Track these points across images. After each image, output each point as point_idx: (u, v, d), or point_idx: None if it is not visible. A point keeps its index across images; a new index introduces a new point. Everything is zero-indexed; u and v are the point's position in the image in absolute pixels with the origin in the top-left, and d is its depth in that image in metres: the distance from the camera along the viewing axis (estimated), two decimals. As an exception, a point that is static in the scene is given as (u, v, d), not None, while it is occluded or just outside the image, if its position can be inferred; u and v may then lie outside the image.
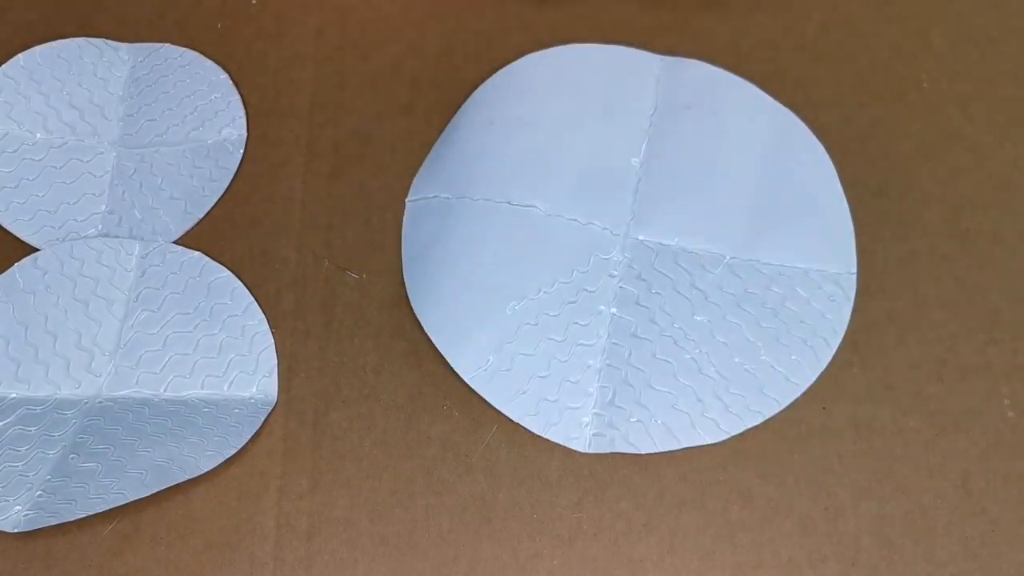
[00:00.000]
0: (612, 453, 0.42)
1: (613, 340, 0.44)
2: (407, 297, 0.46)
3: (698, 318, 0.44)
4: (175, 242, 0.48)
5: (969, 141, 0.49)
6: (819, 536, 0.41)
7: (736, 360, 0.43)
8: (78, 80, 0.52)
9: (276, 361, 0.45)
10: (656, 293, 0.44)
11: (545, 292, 0.44)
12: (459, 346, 0.44)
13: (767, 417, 0.43)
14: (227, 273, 0.47)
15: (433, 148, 0.49)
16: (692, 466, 0.42)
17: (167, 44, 0.53)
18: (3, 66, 0.52)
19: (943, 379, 0.44)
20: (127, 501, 0.41)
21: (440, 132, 0.50)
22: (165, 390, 0.44)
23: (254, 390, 0.44)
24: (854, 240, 0.46)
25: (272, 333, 0.45)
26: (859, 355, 0.44)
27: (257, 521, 0.42)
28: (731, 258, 0.45)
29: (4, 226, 0.48)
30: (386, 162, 0.49)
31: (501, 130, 0.48)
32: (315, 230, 0.48)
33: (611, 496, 0.42)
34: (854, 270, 0.45)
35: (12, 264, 0.47)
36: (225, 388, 0.44)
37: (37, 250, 0.47)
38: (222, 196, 0.49)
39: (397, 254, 0.47)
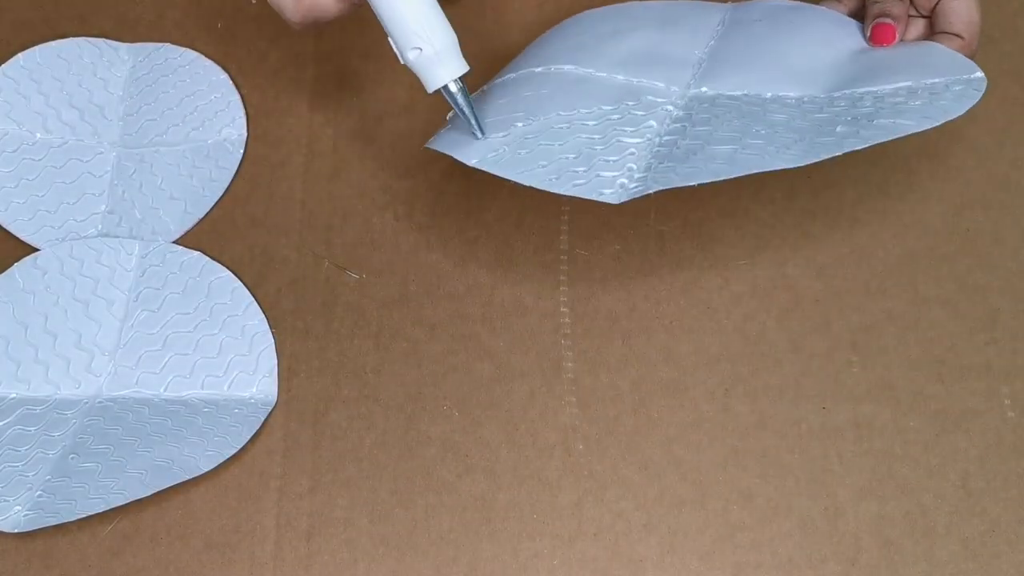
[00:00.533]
0: (658, 191, 0.37)
1: (666, 136, 0.39)
2: (407, 297, 0.46)
3: (777, 116, 0.39)
4: (175, 242, 0.48)
5: (969, 141, 0.49)
6: (819, 536, 0.41)
7: (841, 125, 0.37)
8: (78, 80, 0.52)
9: (276, 361, 0.45)
10: (722, 106, 0.40)
11: (583, 111, 0.41)
12: (465, 143, 0.40)
13: (874, 141, 0.36)
14: (227, 273, 0.47)
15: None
16: (692, 466, 0.42)
17: (167, 44, 0.53)
18: (3, 66, 0.52)
19: (943, 379, 0.44)
20: (127, 501, 0.41)
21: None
22: (165, 390, 0.44)
23: (254, 390, 0.44)
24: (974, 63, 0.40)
25: (272, 333, 0.45)
26: (859, 355, 0.44)
27: (257, 521, 0.42)
28: (810, 97, 0.40)
29: (4, 226, 0.48)
30: (386, 162, 0.49)
31: (548, 48, 0.45)
32: (315, 230, 0.48)
33: (611, 496, 0.42)
34: (981, 74, 0.39)
35: (12, 264, 0.47)
36: (225, 388, 0.44)
37: (37, 250, 0.47)
38: (222, 196, 0.49)
39: (397, 254, 0.47)
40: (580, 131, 0.40)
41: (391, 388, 0.44)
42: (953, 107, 0.38)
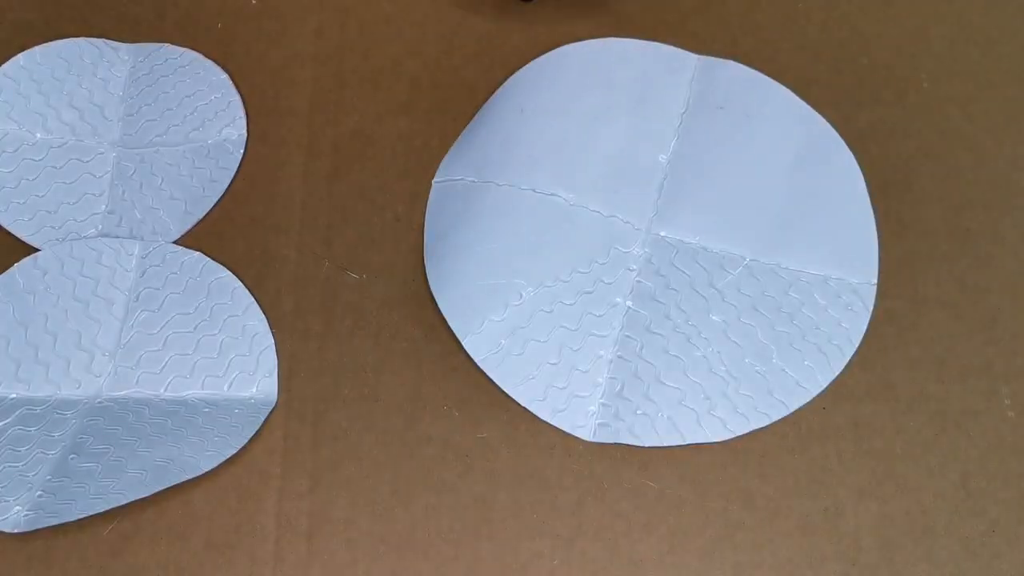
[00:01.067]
0: (615, 444, 0.42)
1: (626, 333, 0.44)
2: (407, 297, 0.46)
3: (713, 317, 0.44)
4: (175, 242, 0.48)
5: (969, 141, 0.49)
6: (819, 536, 0.41)
7: (748, 361, 0.43)
8: (78, 80, 0.52)
9: (276, 361, 0.45)
10: (673, 289, 0.44)
11: (562, 281, 0.44)
12: (473, 328, 0.44)
13: (773, 420, 0.43)
14: (227, 273, 0.47)
15: (464, 132, 0.49)
16: (692, 466, 0.42)
17: (167, 44, 0.53)
18: (3, 66, 0.52)
19: (943, 379, 0.44)
20: (127, 501, 0.41)
21: (440, 131, 0.50)
22: (165, 390, 0.44)
23: (254, 390, 0.44)
24: (877, 252, 0.46)
25: (272, 333, 0.45)
26: (859, 355, 0.44)
27: (257, 521, 0.42)
28: (751, 260, 0.45)
29: (4, 226, 0.48)
30: (386, 162, 0.49)
31: (531, 118, 0.48)
32: (315, 230, 0.48)
33: (611, 496, 0.42)
34: (874, 281, 0.45)
35: (12, 264, 0.47)
36: (225, 388, 0.44)
37: (37, 250, 0.47)
38: (222, 196, 0.49)
39: (397, 254, 0.47)
40: (560, 319, 0.44)
41: (391, 388, 0.44)
42: (853, 333, 0.44)
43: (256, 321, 0.45)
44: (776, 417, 0.43)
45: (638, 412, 0.43)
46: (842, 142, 0.48)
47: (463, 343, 0.44)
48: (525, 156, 0.47)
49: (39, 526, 0.40)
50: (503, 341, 0.44)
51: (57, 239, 0.48)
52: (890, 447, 0.43)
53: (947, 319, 0.45)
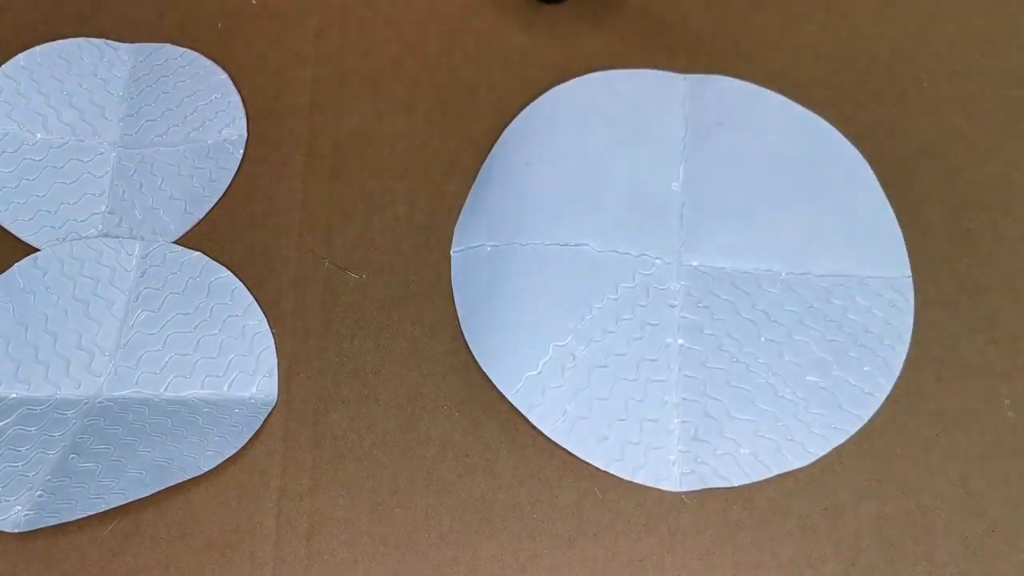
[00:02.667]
0: (705, 490, 0.42)
1: (685, 372, 0.43)
2: (407, 297, 0.46)
3: (764, 339, 0.44)
4: (175, 242, 0.48)
5: (969, 141, 0.49)
6: (819, 536, 0.41)
7: (810, 379, 0.43)
8: (78, 80, 0.52)
9: (276, 361, 0.45)
10: (719, 319, 0.44)
11: (610, 332, 0.44)
12: (535, 402, 0.43)
13: (850, 434, 0.42)
14: (227, 273, 0.47)
15: (471, 193, 0.49)
16: (692, 466, 0.42)
17: (167, 44, 0.53)
18: (3, 66, 0.52)
19: (943, 379, 0.44)
20: (127, 501, 0.41)
21: (440, 131, 0.50)
22: (165, 390, 0.44)
23: (254, 390, 0.44)
24: (903, 243, 0.46)
25: (272, 333, 0.45)
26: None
27: (257, 521, 0.42)
28: (786, 274, 0.45)
29: (4, 226, 0.48)
30: (386, 162, 0.49)
31: (538, 169, 0.48)
32: (315, 230, 0.48)
33: (611, 496, 0.42)
34: (908, 273, 0.45)
35: (12, 264, 0.47)
36: (225, 388, 0.44)
37: (37, 250, 0.47)
38: (222, 196, 0.49)
39: (397, 254, 0.47)
40: (619, 371, 0.44)
41: (391, 388, 0.44)
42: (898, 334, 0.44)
43: (256, 321, 0.45)
44: (852, 431, 0.42)
45: (718, 453, 0.42)
46: (846, 140, 0.48)
47: (529, 417, 0.43)
48: (542, 211, 0.47)
49: (39, 526, 0.40)
50: (567, 407, 0.43)
51: (57, 239, 0.48)
52: (890, 447, 0.43)
53: (947, 319, 0.45)
